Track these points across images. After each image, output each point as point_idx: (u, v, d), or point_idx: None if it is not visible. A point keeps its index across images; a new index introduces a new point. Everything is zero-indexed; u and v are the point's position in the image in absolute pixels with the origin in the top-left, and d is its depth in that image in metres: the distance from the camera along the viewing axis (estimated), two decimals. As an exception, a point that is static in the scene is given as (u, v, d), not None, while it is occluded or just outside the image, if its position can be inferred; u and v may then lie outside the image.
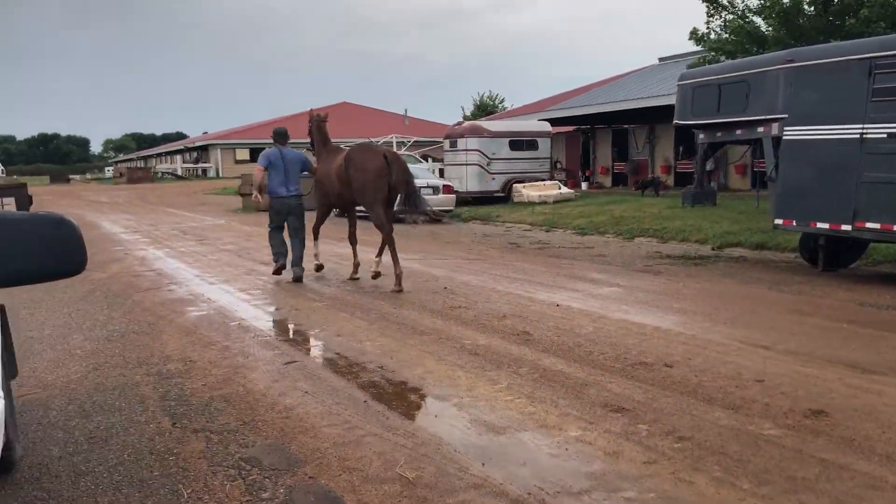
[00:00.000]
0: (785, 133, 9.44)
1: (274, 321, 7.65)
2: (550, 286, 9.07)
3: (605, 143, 34.50)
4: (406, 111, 61.37)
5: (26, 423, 4.70)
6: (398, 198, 9.49)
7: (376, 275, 9.58)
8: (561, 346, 6.12)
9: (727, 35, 17.18)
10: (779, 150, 9.65)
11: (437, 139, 40.19)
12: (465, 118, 46.91)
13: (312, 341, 6.70)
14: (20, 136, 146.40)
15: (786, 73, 9.45)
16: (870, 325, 6.71)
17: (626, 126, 32.75)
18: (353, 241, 10.55)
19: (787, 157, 9.46)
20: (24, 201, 21.58)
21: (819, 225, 9.07)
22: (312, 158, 10.85)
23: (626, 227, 15.68)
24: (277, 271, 10.14)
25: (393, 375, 5.47)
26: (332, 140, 10.85)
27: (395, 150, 33.49)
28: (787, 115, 9.42)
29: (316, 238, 10.41)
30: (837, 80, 8.81)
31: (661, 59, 35.80)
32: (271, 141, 10.34)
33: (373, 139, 42.24)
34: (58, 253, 1.66)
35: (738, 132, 10.65)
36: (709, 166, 28.61)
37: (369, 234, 10.73)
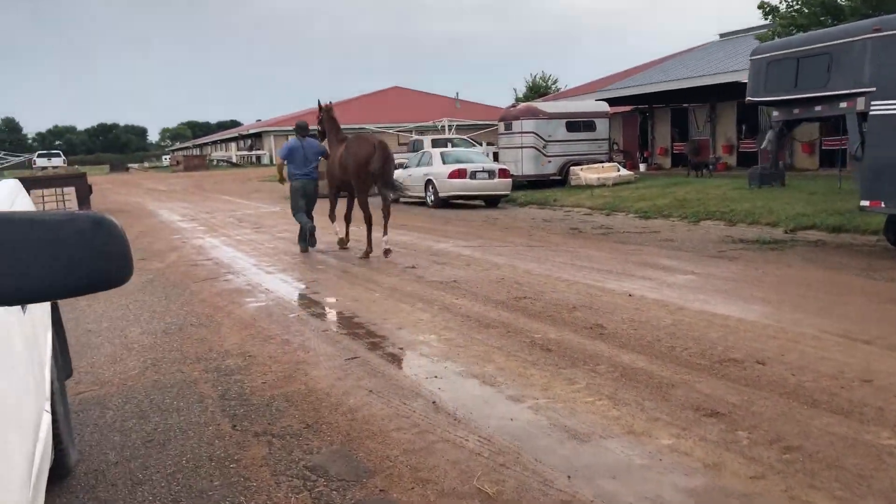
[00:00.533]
0: (872, 108, 8.79)
1: (334, 313, 7.40)
2: (620, 274, 8.63)
3: (663, 123, 33.54)
4: (457, 94, 60.82)
5: (83, 423, 4.51)
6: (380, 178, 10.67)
7: (367, 253, 10.79)
8: (639, 341, 5.71)
9: (798, 6, 16.30)
10: (865, 126, 9.00)
11: (489, 122, 39.69)
12: (518, 100, 46.26)
13: (374, 335, 6.42)
14: (81, 127, 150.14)
15: (873, 42, 8.78)
16: (979, 316, 6.14)
17: (685, 105, 31.76)
18: (347, 220, 11.73)
19: (876, 133, 8.81)
20: (84, 191, 21.90)
21: (912, 206, 8.44)
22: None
23: (692, 210, 15.06)
24: (310, 235, 11.64)
25: (461, 373, 5.14)
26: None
27: (447, 134, 33.16)
28: (874, 89, 8.76)
29: (345, 220, 11.65)
30: (933, 49, 8.14)
31: (722, 35, 34.60)
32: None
33: (424, 123, 41.93)
34: (97, 261, 1.35)
35: (818, 108, 10.01)
36: (769, 145, 27.51)
37: (419, 220, 10.49)
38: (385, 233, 10.79)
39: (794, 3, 16.53)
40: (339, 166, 11.05)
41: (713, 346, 5.49)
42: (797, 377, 4.70)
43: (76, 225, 1.42)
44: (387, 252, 10.61)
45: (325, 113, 11.92)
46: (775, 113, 11.13)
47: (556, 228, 13.96)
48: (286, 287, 8.95)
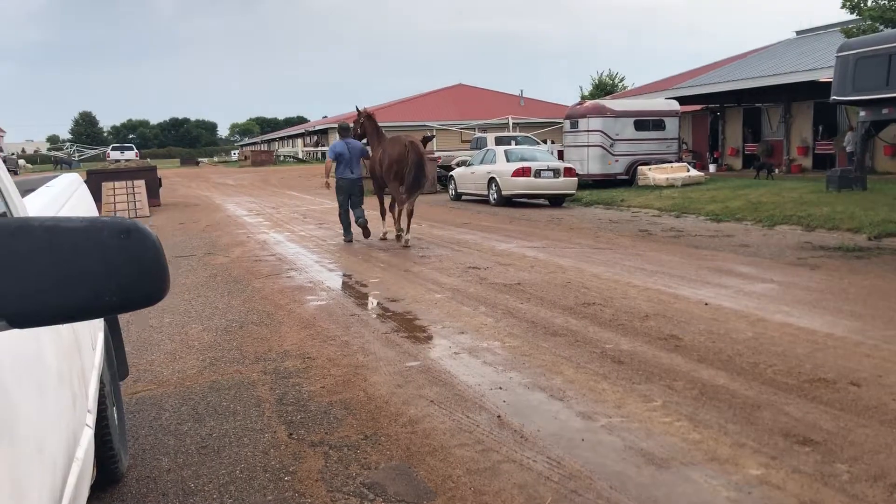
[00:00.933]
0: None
1: (394, 314, 7.20)
2: (693, 281, 8.21)
3: (735, 123, 32.48)
4: (521, 92, 60.23)
5: (138, 425, 4.41)
6: (407, 177, 11.70)
7: (397, 236, 12.23)
8: (718, 355, 5.34)
9: (886, 1, 15.44)
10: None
11: (554, 120, 39.14)
12: (583, 98, 45.50)
13: (435, 339, 6.20)
14: (154, 121, 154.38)
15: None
16: None
17: (758, 105, 30.69)
18: (385, 212, 12.83)
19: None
20: (155, 184, 22.34)
21: None
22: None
23: (766, 214, 14.40)
24: (349, 241, 12.52)
25: (528, 385, 4.87)
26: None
27: (510, 132, 32.77)
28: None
29: (383, 217, 12.85)
30: None
31: (798, 33, 33.36)
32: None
33: (488, 121, 41.60)
34: (127, 275, 1.13)
35: (912, 108, 9.37)
36: (849, 147, 26.34)
37: (482, 219, 10.18)
38: (407, 230, 11.94)
39: (882, -2, 15.66)
40: (378, 166, 12.24)
41: (800, 363, 5.08)
42: (898, 402, 4.29)
43: (104, 234, 1.21)
44: (406, 243, 11.77)
45: (366, 119, 12.95)
46: (862, 113, 10.51)
47: (623, 230, 13.52)
48: (347, 285, 8.81)
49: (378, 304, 7.74)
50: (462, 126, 43.44)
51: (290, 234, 14.04)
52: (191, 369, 5.56)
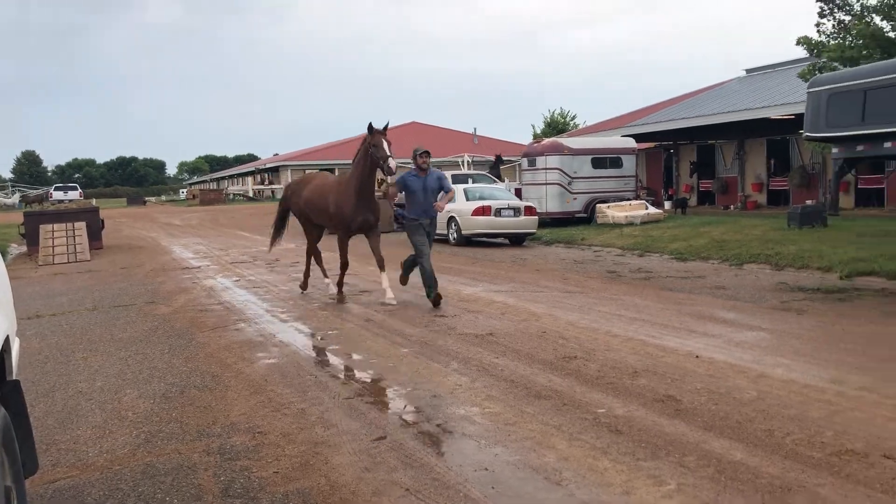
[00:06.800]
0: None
1: (356, 374, 6.48)
2: (677, 329, 7.67)
3: (688, 161, 32.68)
4: (475, 130, 60.34)
5: (50, 532, 3.61)
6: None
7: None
8: (726, 421, 4.75)
9: (842, 40, 15.46)
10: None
11: (510, 158, 38.91)
12: (536, 136, 45.52)
13: (405, 405, 5.49)
14: (100, 160, 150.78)
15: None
16: None
17: (711, 142, 30.92)
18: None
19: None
20: (97, 225, 21.21)
21: None
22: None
23: (733, 252, 14.10)
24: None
25: (516, 464, 4.20)
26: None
27: (465, 170, 32.36)
28: (961, 124, 7.85)
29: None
30: None
31: (748, 71, 33.82)
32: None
33: (443, 158, 41.25)
34: None
35: (888, 145, 9.08)
36: (796, 180, 26.60)
37: (443, 260, 9.59)
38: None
39: (839, 36, 15.67)
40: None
41: (820, 430, 4.52)
42: (946, 481, 3.73)
43: None
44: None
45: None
46: (835, 150, 10.20)
47: (590, 271, 13.02)
48: (302, 339, 8.06)
49: (337, 361, 7.01)
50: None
51: (238, 280, 13.21)
52: (122, 448, 4.76)
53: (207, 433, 4.97)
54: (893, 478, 3.79)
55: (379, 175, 10.93)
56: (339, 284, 10.67)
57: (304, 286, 11.33)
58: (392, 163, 9.49)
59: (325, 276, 11.08)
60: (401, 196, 10.55)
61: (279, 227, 12.13)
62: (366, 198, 10.10)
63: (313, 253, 11.33)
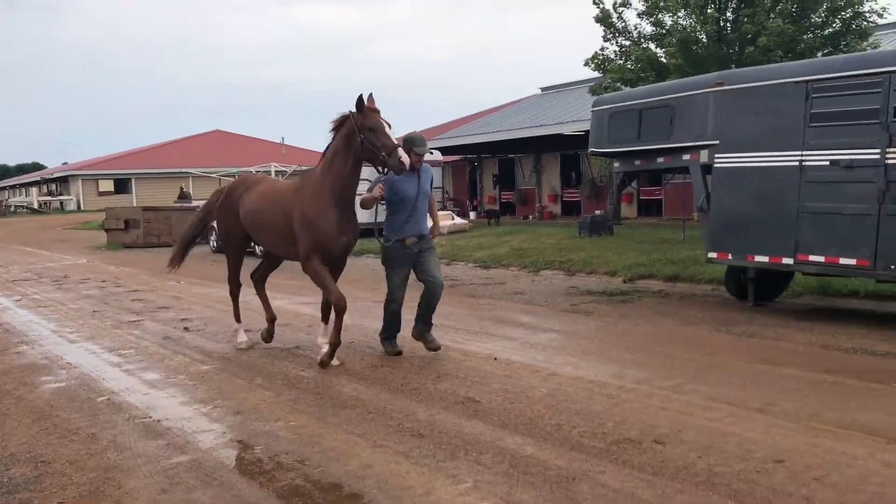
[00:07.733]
0: (717, 161, 8.87)
1: (153, 394, 6.17)
2: (478, 333, 8.02)
3: (491, 173, 34.16)
4: (283, 139, 59.31)
5: None
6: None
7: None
8: (519, 418, 5.04)
9: (623, 62, 16.90)
10: (710, 178, 9.07)
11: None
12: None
13: (205, 423, 5.31)
14: None
15: (715, 96, 8.89)
16: (849, 373, 6.00)
17: (511, 156, 32.53)
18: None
19: (721, 186, 8.89)
20: None
21: (758, 258, 8.49)
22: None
23: (530, 260, 14.91)
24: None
25: (320, 475, 4.21)
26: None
27: (275, 178, 31.78)
28: (718, 142, 8.85)
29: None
30: (772, 104, 8.30)
31: (543, 89, 35.93)
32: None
33: (249, 168, 40.18)
34: None
35: (660, 160, 10.04)
36: (586, 192, 28.83)
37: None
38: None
39: (617, 59, 17.11)
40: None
41: (602, 422, 4.92)
42: (705, 460, 4.20)
43: None
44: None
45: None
46: (616, 164, 11.12)
47: (398, 281, 13.22)
48: (93, 360, 7.52)
49: (132, 381, 6.61)
50: (223, 173, 41.55)
51: (21, 299, 12.10)
52: None
53: (-21, 468, 4.53)
54: (663, 461, 4.21)
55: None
56: (334, 342, 6.82)
57: (267, 338, 7.86)
58: (404, 157, 6.26)
59: (238, 319, 8.01)
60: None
61: (189, 242, 8.44)
62: (349, 209, 6.90)
63: (236, 285, 8.15)
